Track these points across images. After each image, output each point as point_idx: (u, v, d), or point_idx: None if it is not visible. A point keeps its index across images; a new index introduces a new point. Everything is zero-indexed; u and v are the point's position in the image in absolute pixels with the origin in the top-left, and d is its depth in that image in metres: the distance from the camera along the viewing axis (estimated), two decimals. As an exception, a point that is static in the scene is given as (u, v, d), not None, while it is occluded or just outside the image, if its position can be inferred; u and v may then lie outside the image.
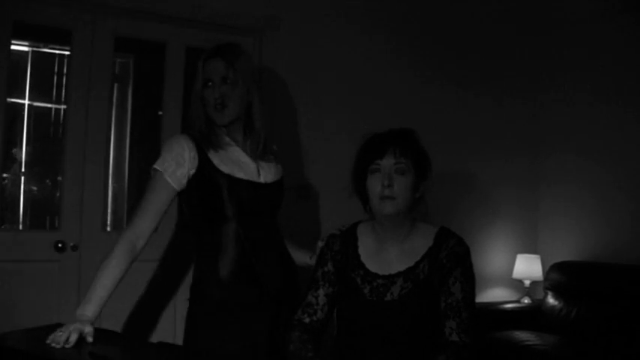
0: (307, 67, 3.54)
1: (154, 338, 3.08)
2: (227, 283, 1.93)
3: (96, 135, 3.15)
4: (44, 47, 4.26)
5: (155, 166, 1.93)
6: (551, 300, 3.90)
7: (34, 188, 4.23)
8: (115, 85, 4.33)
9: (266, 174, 2.05)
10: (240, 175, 1.97)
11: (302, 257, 2.13)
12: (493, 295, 4.15)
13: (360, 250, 1.81)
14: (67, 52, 3.41)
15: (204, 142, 1.97)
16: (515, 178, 4.28)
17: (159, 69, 3.37)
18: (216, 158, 1.96)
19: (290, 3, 3.50)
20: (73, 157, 3.11)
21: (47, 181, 4.28)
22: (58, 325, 1.75)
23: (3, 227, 3.77)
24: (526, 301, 4.03)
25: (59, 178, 3.37)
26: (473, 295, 1.73)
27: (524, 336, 3.55)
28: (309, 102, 3.51)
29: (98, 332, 1.75)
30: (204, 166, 1.94)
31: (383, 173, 1.71)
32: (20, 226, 4.14)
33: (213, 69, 1.98)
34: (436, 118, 3.93)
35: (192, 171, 1.94)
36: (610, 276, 3.68)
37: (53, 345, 1.64)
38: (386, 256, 1.78)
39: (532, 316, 3.88)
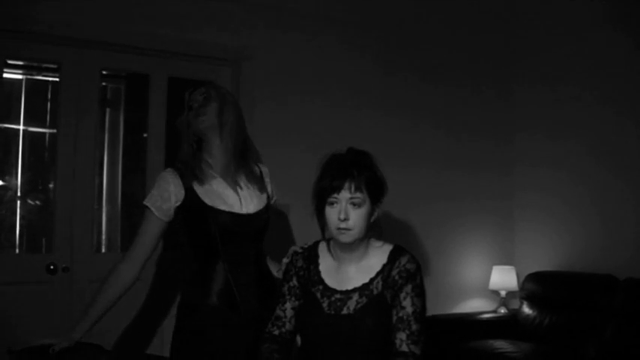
0: (281, 92, 3.72)
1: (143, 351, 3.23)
2: (212, 308, 2.11)
3: (85, 159, 3.32)
4: (37, 75, 4.41)
5: (144, 202, 2.12)
6: (526, 309, 4.02)
7: (31, 205, 4.35)
8: (107, 110, 4.49)
9: (248, 204, 2.19)
10: (223, 207, 2.13)
11: (273, 269, 2.30)
12: (470, 305, 4.29)
13: (321, 267, 1.96)
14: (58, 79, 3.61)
15: (190, 175, 2.13)
16: (491, 192, 4.43)
17: (147, 93, 3.55)
18: (200, 190, 2.13)
19: (263, 35, 3.68)
20: (63, 181, 3.27)
21: (40, 204, 4.40)
22: (49, 345, 1.91)
23: (0, 252, 3.90)
24: (502, 311, 4.15)
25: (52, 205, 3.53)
26: (423, 309, 1.85)
27: (498, 344, 3.66)
28: (283, 125, 3.70)
29: (85, 345, 1.93)
30: (189, 198, 2.11)
31: (339, 207, 1.83)
32: (17, 250, 4.27)
33: (195, 95, 2.20)
34: (409, 136, 4.12)
35: (178, 203, 2.12)
36: (583, 285, 3.79)
37: None
38: (344, 273, 1.92)
39: (508, 325, 4.00)
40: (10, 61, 3.48)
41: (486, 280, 4.29)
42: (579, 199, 4.11)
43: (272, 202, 2.35)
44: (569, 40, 4.22)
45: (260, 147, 3.53)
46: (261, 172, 2.34)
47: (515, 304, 4.24)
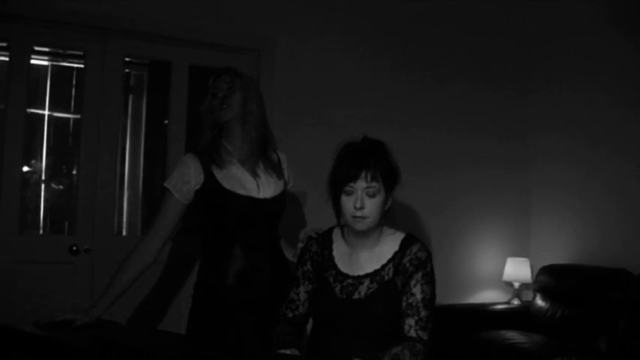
0: (300, 81, 3.78)
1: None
2: (228, 288, 2.19)
3: (108, 144, 3.41)
4: (62, 61, 4.51)
5: (165, 184, 2.20)
6: (539, 301, 4.05)
7: (55, 189, 4.47)
8: (130, 96, 4.58)
9: (265, 189, 2.25)
10: (240, 191, 2.19)
11: (288, 254, 2.37)
12: (484, 296, 4.33)
13: (334, 253, 2.01)
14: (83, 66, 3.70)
15: (209, 160, 2.20)
16: (507, 184, 4.45)
17: (169, 81, 3.62)
18: (219, 175, 2.19)
19: (285, 24, 3.75)
20: (86, 165, 3.37)
21: (63, 187, 4.52)
22: (72, 320, 1.99)
23: (25, 232, 4.01)
24: (515, 302, 4.19)
25: (75, 188, 3.63)
26: (432, 297, 1.90)
27: (510, 335, 3.70)
28: (302, 114, 3.76)
29: (105, 322, 2.03)
30: (208, 182, 2.19)
31: (355, 196, 1.88)
32: (41, 231, 4.39)
33: (220, 82, 2.25)
34: (430, 126, 4.17)
35: (198, 186, 2.19)
36: (596, 279, 3.80)
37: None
38: (356, 259, 1.97)
39: (520, 316, 4.03)
40: (36, 48, 3.56)
41: (500, 272, 4.32)
42: (595, 194, 4.11)
43: (288, 186, 2.40)
44: (583, 40, 4.23)
45: (279, 135, 3.60)
46: (279, 158, 2.39)
47: (528, 296, 4.27)
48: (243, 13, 3.64)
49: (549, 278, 4.05)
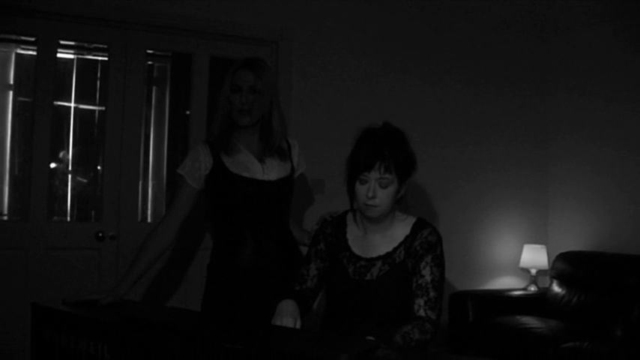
0: (318, 72, 3.85)
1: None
2: (237, 269, 2.29)
3: (131, 135, 3.53)
4: (87, 54, 4.62)
5: (178, 170, 2.32)
6: (555, 288, 4.08)
7: (81, 182, 4.59)
8: (154, 88, 4.68)
9: (270, 172, 2.33)
10: (245, 174, 2.29)
11: (302, 238, 2.47)
12: (501, 282, 4.38)
13: (348, 235, 2.08)
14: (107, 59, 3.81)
15: (219, 147, 2.31)
16: (525, 172, 4.49)
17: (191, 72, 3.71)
18: (227, 161, 2.30)
19: (303, 16, 3.82)
20: (111, 155, 3.49)
21: (90, 177, 4.64)
22: (98, 300, 2.11)
23: (54, 219, 4.15)
24: (532, 288, 4.22)
25: (100, 177, 3.75)
26: (441, 279, 1.96)
27: (526, 320, 3.74)
28: (320, 104, 3.84)
29: (127, 301, 2.14)
30: (217, 167, 2.29)
31: (368, 185, 1.93)
32: (68, 219, 4.53)
33: (243, 78, 2.28)
34: (445, 113, 4.22)
35: (207, 171, 2.29)
36: (613, 266, 3.81)
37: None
38: (369, 242, 2.04)
39: (537, 302, 4.07)
40: (62, 42, 3.68)
41: (517, 259, 4.37)
42: (612, 181, 4.13)
43: (297, 173, 2.49)
44: (601, 41, 4.26)
45: (297, 125, 3.72)
46: (289, 145, 2.46)
47: (545, 282, 4.30)
48: (261, 5, 3.72)
49: (566, 265, 4.08)
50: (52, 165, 4.11)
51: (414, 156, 2.00)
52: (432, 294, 1.93)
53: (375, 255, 2.01)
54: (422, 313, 1.91)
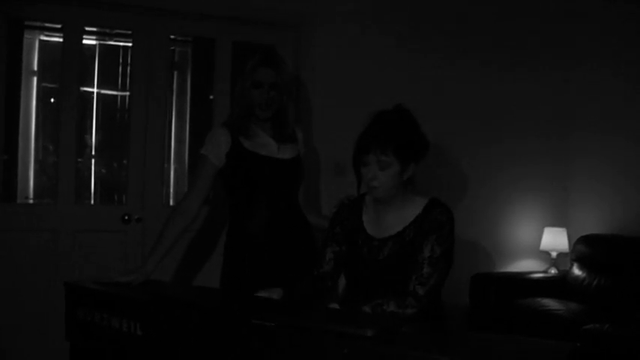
0: (340, 57, 3.87)
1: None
2: (252, 239, 2.47)
3: (156, 119, 3.59)
4: (109, 40, 4.67)
5: (201, 151, 2.46)
6: (576, 271, 4.10)
7: (105, 162, 4.67)
8: (175, 72, 4.73)
9: (284, 152, 2.53)
10: (263, 152, 2.47)
11: (321, 223, 2.57)
12: (521, 265, 4.40)
13: (364, 217, 2.13)
14: (130, 44, 3.85)
15: (237, 130, 2.47)
16: (544, 154, 4.49)
17: (214, 57, 3.76)
18: (245, 142, 2.47)
19: (324, 1, 3.83)
20: (136, 139, 3.55)
21: (114, 162, 4.71)
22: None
23: (80, 202, 4.23)
24: (552, 271, 4.24)
25: (124, 161, 3.82)
26: (441, 257, 1.95)
27: (547, 302, 3.78)
28: (342, 90, 3.85)
29: (154, 281, 2.21)
30: (236, 147, 2.45)
31: (368, 167, 1.99)
32: (91, 201, 4.61)
33: (264, 75, 2.45)
34: (468, 97, 4.22)
35: (227, 150, 2.44)
36: (634, 249, 3.83)
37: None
38: (382, 223, 2.08)
39: (557, 285, 4.09)
40: (87, 28, 3.74)
41: (538, 242, 4.38)
42: (634, 163, 4.12)
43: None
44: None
45: (320, 110, 3.75)
46: (294, 131, 2.63)
47: (565, 265, 4.31)
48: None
49: (586, 248, 4.09)
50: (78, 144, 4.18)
51: (420, 138, 2.02)
52: (425, 270, 1.93)
53: (387, 235, 2.05)
54: (410, 287, 1.93)
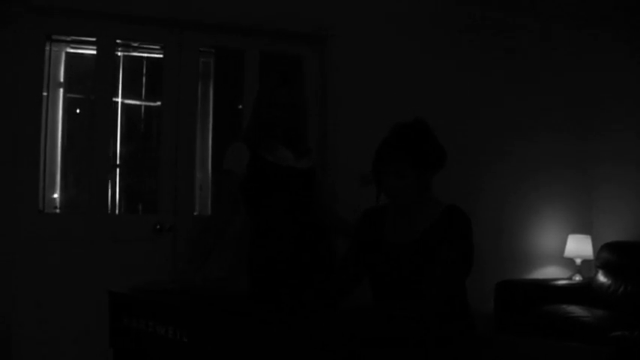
0: (365, 68, 3.92)
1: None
2: (273, 246, 2.57)
3: (185, 130, 3.66)
4: (133, 52, 4.76)
5: (224, 166, 2.56)
6: (601, 277, 4.10)
7: (130, 172, 4.73)
8: (199, 82, 4.80)
9: (301, 162, 2.65)
10: (281, 163, 2.58)
11: (341, 224, 2.74)
12: (545, 272, 4.41)
13: (385, 225, 2.21)
14: (154, 55, 3.93)
15: (255, 145, 2.57)
16: (568, 162, 4.51)
17: (236, 67, 3.84)
18: (264, 154, 2.57)
19: (349, 13, 3.89)
20: (166, 149, 3.63)
21: (140, 172, 4.77)
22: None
23: (111, 212, 4.30)
24: (577, 278, 4.25)
25: (151, 171, 3.88)
26: (456, 262, 2.01)
27: (572, 309, 3.78)
28: (368, 101, 3.90)
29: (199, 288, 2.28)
30: (255, 159, 2.55)
31: (387, 177, 2.10)
32: (116, 211, 4.68)
33: (282, 95, 2.58)
34: (494, 105, 4.28)
35: (246, 162, 2.54)
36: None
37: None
38: (402, 229, 2.16)
39: (582, 292, 4.09)
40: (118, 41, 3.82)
41: (562, 248, 4.39)
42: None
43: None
44: None
45: (344, 121, 3.80)
46: (309, 149, 2.76)
47: (589, 272, 4.32)
48: (310, 0, 3.81)
49: (611, 255, 4.10)
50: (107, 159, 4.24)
51: (436, 150, 2.11)
52: (439, 271, 2.00)
53: (407, 241, 2.12)
54: (427, 291, 1.99)
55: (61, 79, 4.38)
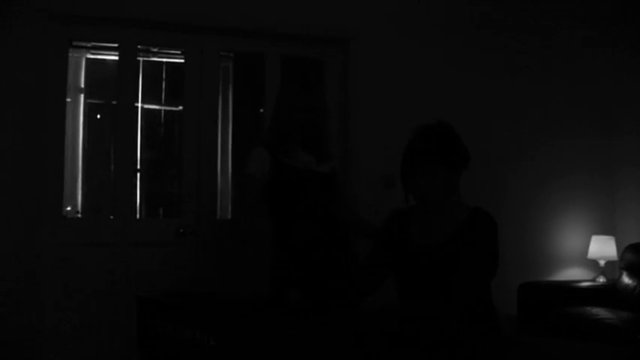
0: (388, 70, 3.92)
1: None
2: (294, 248, 2.59)
3: (207, 134, 3.68)
4: (152, 57, 4.79)
5: (247, 171, 2.57)
6: (625, 279, 4.06)
7: (151, 176, 4.76)
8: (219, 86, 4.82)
9: (321, 166, 2.66)
10: (301, 166, 2.59)
11: (371, 231, 2.68)
12: (568, 274, 4.37)
13: (412, 226, 2.23)
14: (173, 60, 3.95)
15: (276, 149, 2.58)
16: (592, 164, 4.47)
17: (257, 71, 3.85)
18: (284, 158, 2.58)
19: (371, 17, 3.90)
20: (188, 153, 3.64)
21: (161, 176, 4.80)
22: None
23: (134, 216, 4.32)
24: (601, 280, 4.20)
25: (171, 175, 3.90)
26: (481, 263, 2.04)
27: (596, 311, 3.73)
28: (390, 104, 3.90)
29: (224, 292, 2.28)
30: (276, 163, 2.57)
31: (415, 178, 2.12)
32: (137, 216, 4.71)
33: (304, 100, 2.58)
34: (517, 109, 4.27)
35: (267, 167, 2.56)
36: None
37: None
38: (429, 231, 2.17)
39: (606, 294, 4.04)
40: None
41: (585, 250, 4.35)
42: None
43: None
44: None
45: (367, 124, 3.80)
46: (330, 153, 2.77)
47: (614, 274, 4.28)
48: (332, 4, 3.81)
49: (635, 256, 4.04)
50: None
51: (460, 150, 2.14)
52: (461, 273, 2.02)
53: (433, 242, 2.14)
54: (453, 291, 2.01)
55: (82, 85, 4.44)
